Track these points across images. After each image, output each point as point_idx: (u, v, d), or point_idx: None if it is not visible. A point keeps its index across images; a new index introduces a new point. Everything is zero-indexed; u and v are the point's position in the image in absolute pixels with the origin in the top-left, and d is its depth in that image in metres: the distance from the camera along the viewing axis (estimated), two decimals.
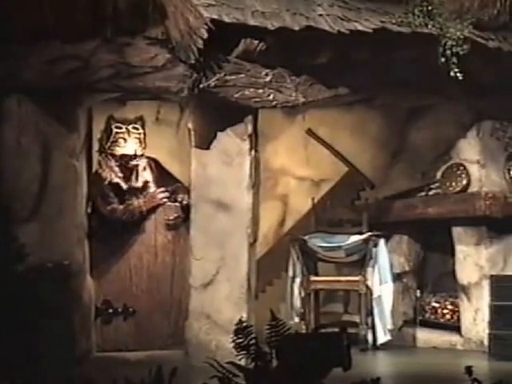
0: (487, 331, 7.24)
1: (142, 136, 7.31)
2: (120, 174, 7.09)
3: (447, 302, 8.01)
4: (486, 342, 7.27)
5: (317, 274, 8.06)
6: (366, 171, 8.83)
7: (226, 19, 6.00)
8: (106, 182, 7.15)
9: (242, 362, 4.13)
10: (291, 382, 4.05)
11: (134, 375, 3.89)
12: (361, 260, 7.82)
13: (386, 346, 7.57)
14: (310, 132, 8.76)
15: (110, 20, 6.08)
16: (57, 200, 6.84)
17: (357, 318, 7.78)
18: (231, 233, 6.86)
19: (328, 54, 6.69)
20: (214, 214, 6.88)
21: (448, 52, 6.80)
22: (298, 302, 7.86)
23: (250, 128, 6.91)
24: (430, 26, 6.87)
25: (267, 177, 8.04)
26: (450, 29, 6.86)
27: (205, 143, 6.89)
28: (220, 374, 3.97)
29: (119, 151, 7.12)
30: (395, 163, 8.62)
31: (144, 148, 7.32)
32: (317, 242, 7.95)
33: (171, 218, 7.62)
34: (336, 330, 5.76)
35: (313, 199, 8.42)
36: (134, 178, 7.19)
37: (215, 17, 5.93)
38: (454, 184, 7.93)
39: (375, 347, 7.61)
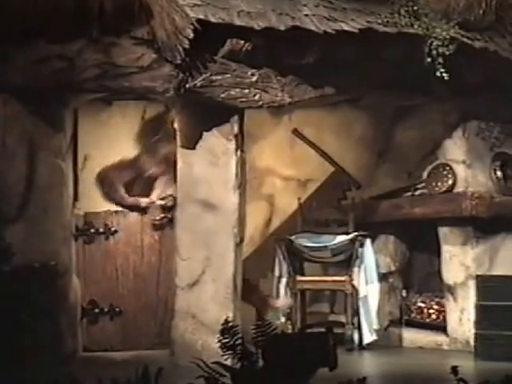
0: (473, 331, 7.26)
1: None
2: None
3: (433, 302, 8.03)
4: (471, 342, 7.29)
5: (303, 274, 8.06)
6: (352, 171, 8.84)
7: (212, 19, 6.01)
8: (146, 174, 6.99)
9: (228, 362, 4.14)
10: (277, 382, 4.05)
11: (120, 375, 3.89)
12: (347, 260, 7.83)
13: (371, 346, 7.58)
14: (296, 132, 8.76)
15: (95, 20, 6.07)
16: (43, 200, 6.82)
17: (343, 318, 7.79)
18: (217, 233, 6.86)
19: (314, 54, 6.70)
20: (200, 214, 6.88)
21: (434, 52, 6.83)
22: None
23: (235, 128, 6.91)
24: (415, 26, 6.90)
25: (253, 177, 8.03)
26: (435, 29, 6.89)
27: (191, 143, 6.88)
28: (206, 374, 3.97)
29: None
30: (381, 163, 8.63)
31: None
32: (303, 241, 7.95)
33: (157, 218, 7.62)
34: (322, 329, 5.78)
35: (299, 199, 8.42)
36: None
37: (201, 17, 5.94)
38: (440, 184, 7.95)
39: (361, 347, 7.62)
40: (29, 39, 6.23)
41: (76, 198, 7.36)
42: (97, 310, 7.48)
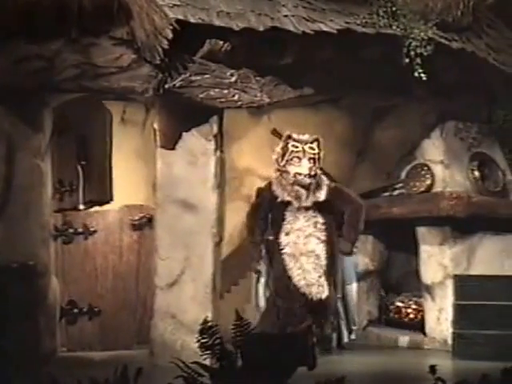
0: (451, 330, 7.31)
1: (317, 156, 6.58)
2: (292, 193, 6.48)
3: (411, 302, 8.07)
4: (449, 341, 7.34)
5: None
6: (330, 170, 8.83)
7: (191, 20, 6.02)
8: (279, 200, 6.54)
9: (207, 362, 4.14)
10: (256, 382, 4.06)
11: (98, 375, 3.89)
12: None
13: (350, 346, 7.61)
14: (276, 132, 8.76)
15: (74, 20, 6.05)
16: (22, 200, 6.79)
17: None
18: (197, 233, 6.86)
19: (293, 54, 6.72)
20: (180, 214, 6.88)
21: (412, 53, 6.87)
22: (263, 302, 7.86)
23: (215, 128, 6.92)
24: (394, 27, 6.95)
25: (233, 177, 8.04)
26: (414, 30, 6.93)
27: (170, 143, 6.88)
28: (185, 374, 3.97)
29: (293, 170, 6.49)
30: (360, 163, 8.66)
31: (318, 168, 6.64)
32: None
33: (136, 218, 7.61)
34: (301, 329, 5.79)
35: None
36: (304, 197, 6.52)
37: (180, 17, 5.94)
38: (418, 184, 7.99)
39: (340, 347, 7.65)
40: (8, 39, 6.20)
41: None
42: (76, 310, 7.47)
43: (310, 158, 6.37)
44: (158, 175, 6.98)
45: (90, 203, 7.63)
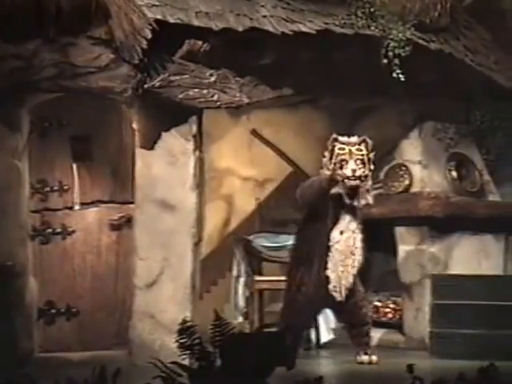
0: (428, 329, 7.34)
1: (366, 158, 6.57)
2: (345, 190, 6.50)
3: (389, 301, 8.09)
4: (427, 340, 7.37)
5: (261, 274, 8.08)
6: (309, 171, 8.86)
7: (170, 20, 6.02)
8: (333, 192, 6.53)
9: (186, 362, 4.14)
10: (235, 382, 4.07)
11: (77, 375, 3.88)
12: None
13: (329, 345, 7.63)
14: (255, 132, 8.78)
15: (52, 19, 6.03)
16: None
17: None
18: (176, 233, 6.86)
19: (272, 54, 6.74)
20: (159, 214, 6.87)
21: (390, 53, 6.91)
22: (242, 302, 7.88)
23: (194, 128, 6.91)
24: (372, 28, 6.98)
25: (212, 177, 8.04)
26: (392, 30, 6.97)
27: (149, 143, 6.87)
28: (164, 374, 3.97)
29: (340, 173, 6.48)
30: None
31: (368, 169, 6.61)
32: (261, 241, 7.97)
33: (115, 218, 7.59)
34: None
35: (257, 199, 8.45)
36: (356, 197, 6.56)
37: (159, 17, 5.95)
38: (396, 184, 8.02)
39: (318, 346, 7.67)
40: None
41: None
42: (53, 311, 7.43)
43: (357, 160, 6.36)
44: (136, 175, 6.97)
45: (96, 203, 7.58)
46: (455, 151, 8.17)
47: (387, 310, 8.03)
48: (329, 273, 6.42)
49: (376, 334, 7.81)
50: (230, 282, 8.05)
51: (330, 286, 6.41)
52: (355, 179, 6.34)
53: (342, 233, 6.45)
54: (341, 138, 6.47)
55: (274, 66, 6.78)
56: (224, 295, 8.06)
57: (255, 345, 4.41)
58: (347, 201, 6.40)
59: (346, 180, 6.35)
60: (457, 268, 7.70)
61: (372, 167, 6.48)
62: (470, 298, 7.02)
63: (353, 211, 6.46)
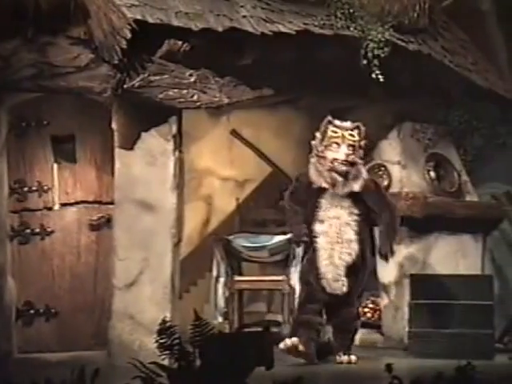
0: (407, 329, 7.38)
1: (357, 144, 6.56)
2: (328, 180, 6.48)
3: (368, 301, 8.12)
4: (405, 340, 7.41)
5: (241, 274, 8.09)
6: (289, 171, 8.89)
7: (150, 20, 6.01)
8: (314, 186, 6.54)
9: (166, 362, 4.15)
10: (214, 382, 4.08)
11: (55, 376, 3.87)
12: (284, 260, 7.87)
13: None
14: (235, 133, 8.79)
15: (31, 19, 6.01)
16: None
17: (280, 317, 7.84)
18: (155, 233, 6.86)
19: (252, 55, 6.76)
20: (138, 215, 6.86)
21: (369, 54, 6.95)
22: (221, 302, 7.88)
23: (174, 128, 6.91)
24: (351, 29, 7.02)
25: (191, 177, 8.04)
26: (371, 31, 7.00)
27: (129, 143, 6.86)
28: (143, 375, 3.97)
29: (331, 155, 6.47)
30: None
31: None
32: (241, 242, 7.98)
33: (94, 218, 7.58)
34: (259, 329, 5.82)
35: (237, 199, 8.46)
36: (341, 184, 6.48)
37: (138, 17, 5.94)
38: None
39: None
40: None
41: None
42: (32, 311, 7.40)
43: (349, 145, 6.37)
44: (116, 175, 6.96)
45: (79, 203, 7.56)
46: (434, 152, 8.21)
47: (366, 309, 8.04)
48: (321, 269, 6.41)
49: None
50: (209, 282, 8.04)
51: (322, 279, 6.40)
52: (347, 164, 6.32)
53: (322, 222, 6.41)
54: (335, 122, 6.46)
55: (253, 67, 6.79)
56: (203, 295, 8.06)
57: (234, 345, 4.42)
58: (331, 190, 6.37)
59: (335, 163, 6.32)
60: (435, 268, 7.75)
61: (362, 155, 6.46)
62: (447, 297, 7.06)
63: (338, 199, 6.40)
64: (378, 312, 8.01)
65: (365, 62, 6.94)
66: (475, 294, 7.11)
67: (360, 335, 7.91)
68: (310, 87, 7.33)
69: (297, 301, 6.95)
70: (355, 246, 6.39)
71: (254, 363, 4.30)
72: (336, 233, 6.37)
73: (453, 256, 7.98)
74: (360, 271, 6.50)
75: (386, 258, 6.60)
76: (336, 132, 6.38)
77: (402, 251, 7.79)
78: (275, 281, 7.89)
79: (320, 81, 7.19)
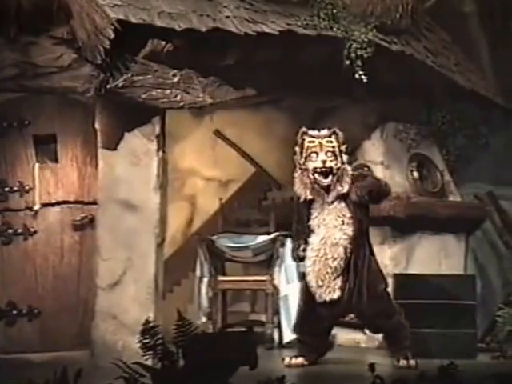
0: None
1: (337, 150, 6.47)
2: (314, 192, 6.42)
3: None
4: None
5: (224, 274, 8.10)
6: (272, 172, 8.92)
7: (133, 20, 6.01)
8: (301, 200, 6.48)
9: (149, 362, 4.15)
10: (198, 382, 4.09)
11: (38, 377, 3.87)
12: (268, 260, 7.89)
13: (291, 345, 7.64)
14: (218, 133, 8.79)
15: (13, 19, 5.99)
16: None
17: (263, 317, 7.85)
18: (139, 233, 6.85)
19: (235, 55, 6.76)
20: (122, 215, 6.86)
21: (353, 55, 6.97)
22: (205, 302, 7.88)
23: (157, 129, 6.91)
24: (334, 29, 7.03)
25: (175, 177, 8.04)
26: (354, 32, 7.03)
27: (112, 143, 6.86)
28: (126, 375, 3.98)
29: (311, 166, 6.41)
30: None
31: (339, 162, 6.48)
32: (224, 242, 7.98)
33: (78, 218, 7.55)
34: (243, 329, 5.83)
35: (220, 200, 8.46)
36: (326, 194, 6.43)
37: (121, 17, 5.93)
38: None
39: (281, 346, 7.69)
40: None
41: None
42: (15, 312, 7.37)
43: (327, 152, 6.33)
44: (99, 175, 6.95)
45: (63, 203, 7.54)
46: (416, 152, 8.24)
47: None
48: (307, 279, 6.40)
49: (338, 334, 7.87)
50: (193, 282, 8.05)
51: (313, 287, 6.38)
52: (326, 175, 6.31)
53: (313, 231, 6.40)
54: (310, 132, 6.46)
55: (237, 67, 6.79)
56: (187, 295, 8.06)
57: (218, 345, 4.42)
58: (319, 201, 6.37)
59: (317, 177, 6.32)
60: (418, 268, 7.77)
61: (345, 159, 6.45)
62: (430, 297, 7.08)
63: (328, 204, 6.38)
64: None
65: (348, 62, 6.96)
66: (458, 293, 7.14)
67: (343, 335, 7.95)
68: (294, 87, 7.34)
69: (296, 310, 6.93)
70: (343, 249, 6.35)
71: (238, 363, 4.32)
72: (321, 240, 6.36)
73: (436, 256, 8.02)
74: (357, 270, 6.41)
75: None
76: (313, 141, 6.38)
77: (386, 251, 7.81)
78: (259, 281, 7.90)
79: (303, 81, 7.20)
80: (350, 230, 6.34)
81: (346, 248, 6.32)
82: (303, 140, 6.42)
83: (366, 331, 7.71)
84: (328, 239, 6.31)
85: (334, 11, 7.01)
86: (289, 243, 7.84)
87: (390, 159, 8.07)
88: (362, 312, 6.49)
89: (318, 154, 6.33)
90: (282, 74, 7.09)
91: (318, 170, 6.31)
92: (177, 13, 6.29)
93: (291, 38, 6.80)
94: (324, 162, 6.28)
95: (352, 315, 7.69)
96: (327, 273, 6.30)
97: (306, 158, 6.38)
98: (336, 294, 6.32)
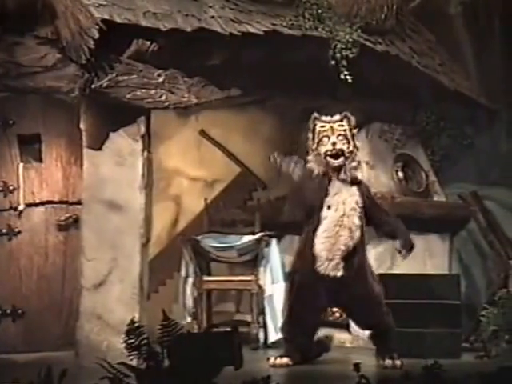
0: None
1: (349, 133, 6.51)
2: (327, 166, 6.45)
3: None
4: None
5: (209, 274, 8.09)
6: (258, 172, 8.92)
7: (118, 20, 6.00)
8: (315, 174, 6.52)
9: (134, 363, 4.14)
10: (183, 382, 4.08)
11: (22, 377, 3.86)
12: (253, 260, 7.89)
13: (277, 345, 7.65)
14: (203, 133, 8.79)
15: None
16: None
17: (248, 317, 7.85)
18: (124, 233, 6.84)
19: (220, 55, 6.76)
20: (106, 215, 6.84)
21: (338, 55, 6.98)
22: (190, 302, 7.88)
23: (142, 129, 6.89)
24: (320, 30, 7.04)
25: (160, 177, 8.02)
26: (339, 32, 7.04)
27: (97, 143, 6.84)
28: (111, 375, 3.97)
29: (323, 149, 6.45)
30: None
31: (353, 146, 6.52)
32: (210, 242, 7.98)
33: (62, 218, 7.54)
34: (228, 329, 5.83)
35: (206, 200, 8.46)
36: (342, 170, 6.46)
37: (106, 17, 5.92)
38: None
39: (266, 346, 7.70)
40: None
41: None
42: None
43: (339, 135, 6.37)
44: (84, 175, 6.93)
45: (47, 203, 7.52)
46: (401, 152, 8.27)
47: (334, 309, 8.08)
48: (316, 250, 6.42)
49: (323, 333, 7.88)
50: (178, 282, 8.04)
51: (319, 264, 6.40)
52: (336, 153, 6.36)
53: (329, 207, 6.44)
54: (322, 117, 6.50)
55: (222, 67, 6.79)
56: (172, 295, 8.05)
57: (203, 345, 4.43)
58: (334, 176, 6.42)
59: (328, 159, 6.37)
60: (403, 267, 7.77)
61: (357, 143, 6.50)
62: (415, 297, 7.10)
63: (342, 185, 6.43)
64: None
65: (333, 62, 6.97)
66: (442, 293, 7.16)
67: (328, 334, 7.95)
68: (279, 87, 7.34)
69: (283, 304, 6.93)
70: (357, 233, 6.44)
71: (223, 363, 4.32)
72: (340, 216, 6.41)
73: (420, 256, 8.03)
74: (359, 258, 6.48)
75: (410, 250, 6.70)
76: (324, 126, 6.44)
77: (370, 251, 7.79)
78: (244, 281, 7.91)
79: (288, 81, 7.21)
80: (361, 216, 6.41)
81: (357, 231, 6.39)
82: (315, 125, 6.46)
83: (352, 329, 7.75)
84: (345, 218, 6.37)
85: (319, 11, 7.02)
86: (274, 243, 7.88)
87: (375, 159, 8.09)
88: (352, 305, 6.53)
89: (329, 137, 6.39)
90: (267, 74, 7.09)
91: (329, 152, 6.36)
92: (162, 13, 6.29)
93: (276, 38, 6.81)
94: (334, 144, 6.34)
95: (338, 314, 7.77)
96: (338, 249, 6.35)
97: (318, 142, 6.44)
98: (340, 273, 6.36)
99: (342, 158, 6.38)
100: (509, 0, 8.30)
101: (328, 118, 6.46)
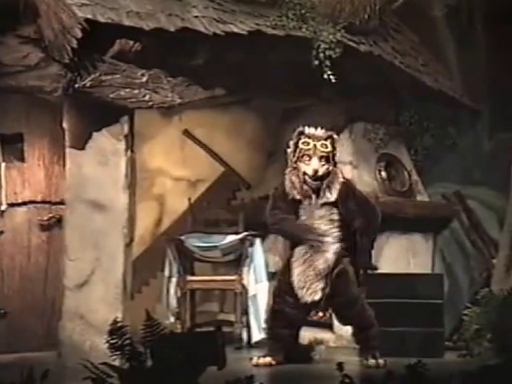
0: None
1: (330, 155, 6.36)
2: (301, 192, 6.31)
3: None
4: None
5: (193, 274, 8.08)
6: (241, 171, 8.92)
7: (101, 19, 5.98)
8: (289, 198, 6.36)
9: (117, 363, 4.13)
10: (166, 382, 4.08)
11: (4, 377, 3.84)
12: (237, 259, 7.89)
13: (260, 344, 7.66)
14: (187, 133, 8.78)
15: None
16: None
17: (232, 317, 7.85)
18: (107, 233, 6.83)
19: (204, 55, 6.76)
20: (90, 215, 6.83)
21: (321, 55, 6.99)
22: (173, 302, 7.86)
23: (125, 128, 6.89)
24: (303, 30, 7.04)
25: (144, 177, 8.00)
26: (322, 32, 7.05)
27: (80, 143, 6.83)
28: (94, 375, 3.96)
29: (303, 168, 6.30)
30: (271, 163, 8.73)
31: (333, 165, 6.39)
32: (193, 241, 7.97)
33: (45, 218, 7.52)
34: (211, 329, 5.83)
35: (189, 199, 8.45)
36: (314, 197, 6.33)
37: (89, 16, 5.90)
38: None
39: (250, 345, 7.70)
40: None
41: None
42: None
43: (321, 157, 6.19)
44: (67, 175, 6.92)
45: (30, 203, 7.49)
46: (385, 152, 8.29)
47: None
48: (292, 277, 6.34)
49: (306, 333, 7.88)
50: (161, 282, 8.02)
51: (296, 289, 6.33)
52: (316, 179, 6.22)
53: None
54: (306, 131, 6.33)
55: (205, 67, 6.79)
56: (155, 295, 8.04)
57: (186, 345, 4.42)
58: (305, 202, 6.30)
59: (307, 178, 6.24)
60: (386, 267, 7.79)
61: (336, 163, 6.36)
62: (399, 296, 7.12)
63: (317, 207, 6.31)
64: (329, 311, 8.04)
65: (316, 62, 6.98)
66: (426, 292, 7.17)
67: (311, 334, 7.96)
68: (262, 87, 7.35)
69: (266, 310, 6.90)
70: (330, 255, 6.30)
71: (206, 363, 4.31)
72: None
73: (404, 255, 8.06)
74: (339, 268, 6.33)
75: (365, 271, 6.51)
76: (307, 143, 6.22)
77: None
78: (227, 280, 7.91)
79: (272, 81, 7.21)
80: (339, 235, 6.29)
81: (334, 253, 6.29)
82: (298, 139, 6.29)
83: (335, 329, 7.77)
84: (320, 243, 6.26)
85: (303, 11, 7.02)
86: (258, 243, 7.88)
87: (358, 159, 8.10)
88: (332, 307, 6.52)
89: (310, 157, 6.20)
90: (250, 74, 7.10)
91: (309, 175, 6.23)
92: (145, 12, 6.27)
93: (260, 38, 6.81)
94: (316, 171, 6.16)
95: (321, 314, 7.78)
96: (310, 275, 6.28)
97: (298, 157, 6.28)
98: (318, 296, 6.30)
99: (319, 181, 6.23)
100: (491, 1, 8.32)
101: (312, 132, 6.31)
